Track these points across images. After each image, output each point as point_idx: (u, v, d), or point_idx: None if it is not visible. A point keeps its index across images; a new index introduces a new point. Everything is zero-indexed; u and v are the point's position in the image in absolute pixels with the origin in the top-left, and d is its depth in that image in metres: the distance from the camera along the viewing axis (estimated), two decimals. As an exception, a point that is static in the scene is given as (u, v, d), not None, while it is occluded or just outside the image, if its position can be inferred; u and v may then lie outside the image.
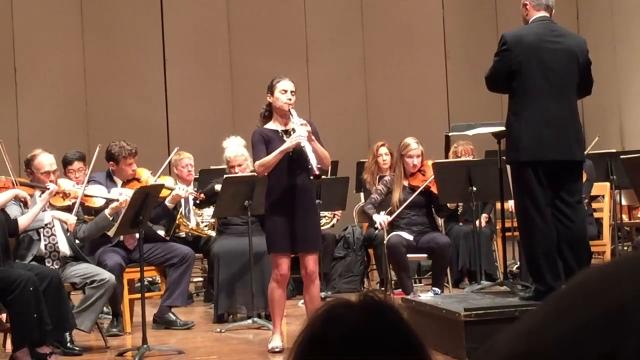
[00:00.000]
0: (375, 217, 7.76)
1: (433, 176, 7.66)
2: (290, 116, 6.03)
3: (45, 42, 11.46)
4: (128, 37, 11.71)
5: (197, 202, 7.86)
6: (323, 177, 8.19)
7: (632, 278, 0.87)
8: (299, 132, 5.89)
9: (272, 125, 6.16)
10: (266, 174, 6.11)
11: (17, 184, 6.35)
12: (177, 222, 8.16)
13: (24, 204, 6.27)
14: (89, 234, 6.80)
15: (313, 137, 5.95)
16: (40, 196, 6.44)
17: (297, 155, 5.97)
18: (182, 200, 8.44)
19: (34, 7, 11.48)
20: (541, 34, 5.70)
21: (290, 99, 6.07)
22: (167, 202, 7.29)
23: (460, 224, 8.86)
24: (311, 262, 6.11)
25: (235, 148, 7.81)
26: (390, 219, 7.66)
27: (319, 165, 5.86)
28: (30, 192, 6.40)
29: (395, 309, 1.23)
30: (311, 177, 5.99)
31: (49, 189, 6.38)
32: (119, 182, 7.19)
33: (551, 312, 0.89)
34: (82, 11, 11.66)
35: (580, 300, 0.88)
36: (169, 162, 8.39)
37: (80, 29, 11.65)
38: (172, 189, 7.31)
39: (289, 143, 5.92)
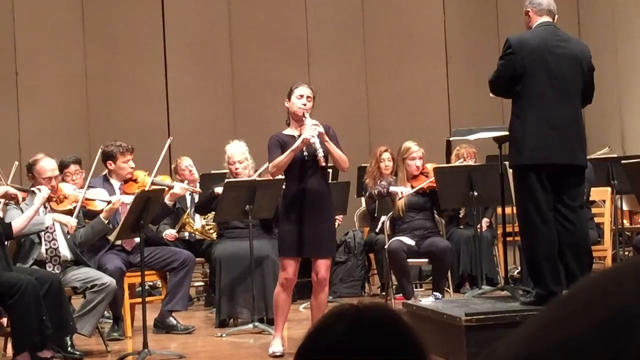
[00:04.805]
0: (394, 188, 7.75)
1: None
2: (304, 119, 6.04)
3: (47, 46, 11.47)
4: (129, 41, 11.71)
5: (198, 205, 7.85)
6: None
7: (633, 283, 0.87)
8: (308, 130, 5.91)
9: (288, 131, 6.18)
10: (282, 176, 6.15)
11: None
12: (183, 221, 8.14)
13: (16, 202, 6.24)
14: (86, 239, 6.77)
15: (327, 138, 5.96)
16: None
17: (312, 159, 5.98)
18: (188, 201, 8.45)
19: (35, 12, 11.49)
20: (546, 38, 5.69)
21: (305, 104, 6.07)
22: (166, 200, 7.29)
23: (462, 227, 8.86)
24: (323, 268, 6.10)
25: (237, 147, 7.82)
26: (412, 191, 7.66)
27: (324, 158, 5.89)
28: (23, 195, 6.34)
29: (401, 316, 1.23)
30: (321, 167, 5.99)
31: (40, 191, 6.35)
32: (116, 184, 7.18)
33: (553, 318, 0.89)
34: (84, 16, 11.67)
35: (582, 306, 0.87)
36: (170, 168, 8.37)
37: (82, 33, 11.66)
38: (170, 187, 7.31)
39: (299, 141, 5.94)
